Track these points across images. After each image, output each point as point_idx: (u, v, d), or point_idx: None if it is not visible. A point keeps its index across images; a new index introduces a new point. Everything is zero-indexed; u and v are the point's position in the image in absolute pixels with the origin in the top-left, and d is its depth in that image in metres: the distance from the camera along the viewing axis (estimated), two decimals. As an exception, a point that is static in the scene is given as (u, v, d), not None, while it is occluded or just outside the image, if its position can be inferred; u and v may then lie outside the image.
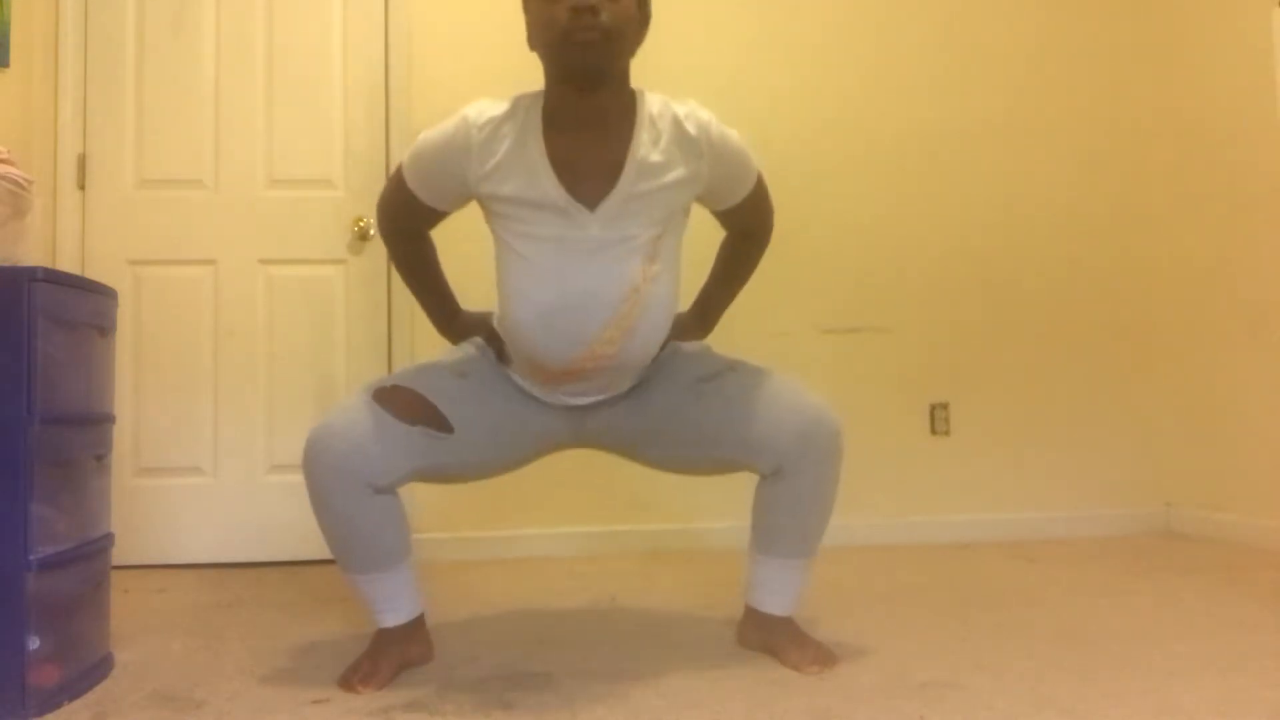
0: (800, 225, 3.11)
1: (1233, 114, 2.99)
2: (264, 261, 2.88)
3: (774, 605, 1.75)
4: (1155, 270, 3.25)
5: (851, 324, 3.12)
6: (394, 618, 1.67)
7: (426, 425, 1.62)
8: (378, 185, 2.92)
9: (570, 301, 1.58)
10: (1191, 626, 1.92)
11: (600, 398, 1.73)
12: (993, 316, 3.17)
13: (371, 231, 2.89)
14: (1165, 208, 3.24)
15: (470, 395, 1.69)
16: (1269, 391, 2.86)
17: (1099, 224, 3.24)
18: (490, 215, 1.67)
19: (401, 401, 1.62)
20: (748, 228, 1.85)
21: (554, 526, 2.95)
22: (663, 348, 1.76)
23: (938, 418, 3.13)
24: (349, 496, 1.57)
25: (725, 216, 1.81)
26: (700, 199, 1.73)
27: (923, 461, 3.11)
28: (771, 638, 1.74)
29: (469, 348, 1.79)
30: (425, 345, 2.87)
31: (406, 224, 1.77)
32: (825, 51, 3.15)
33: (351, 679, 1.59)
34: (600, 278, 1.58)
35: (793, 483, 1.68)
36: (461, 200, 1.69)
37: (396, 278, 2.89)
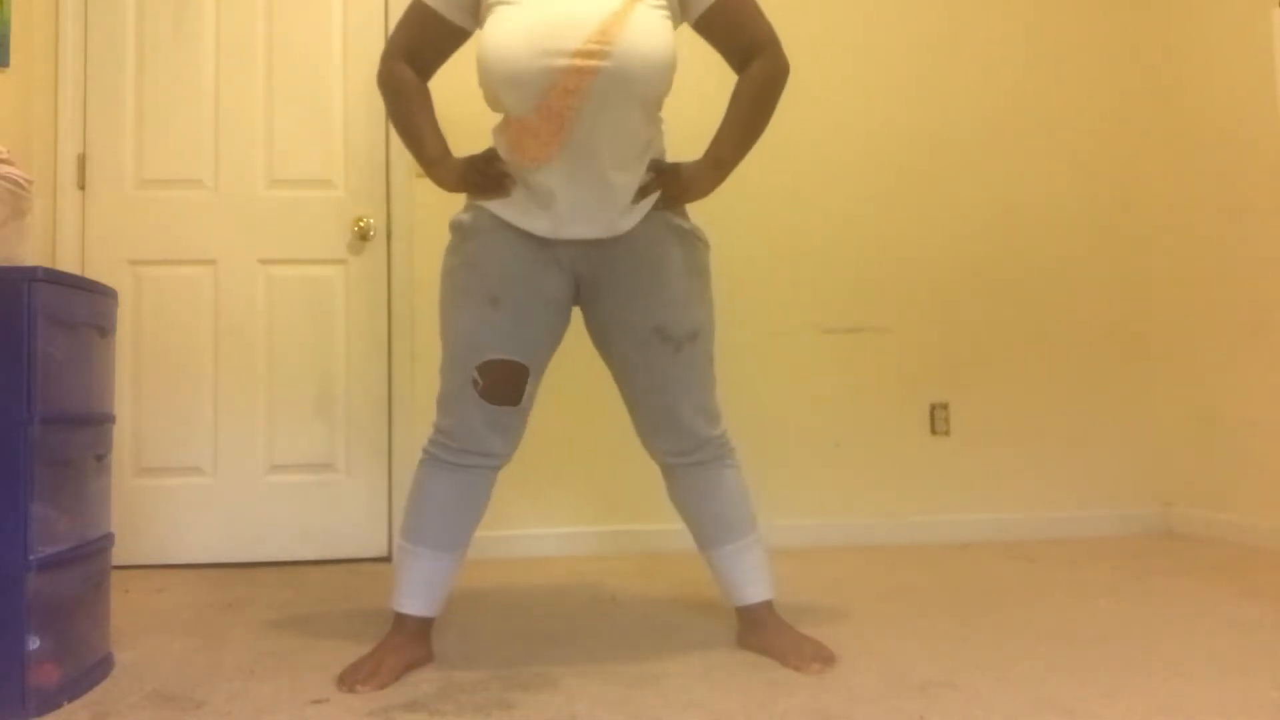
0: (800, 225, 3.12)
1: (1233, 114, 2.99)
2: (264, 261, 2.88)
3: (753, 593, 1.79)
4: (1155, 270, 3.25)
5: (851, 324, 3.12)
6: (416, 606, 1.70)
7: (518, 388, 1.70)
8: (378, 185, 2.93)
9: (551, 20, 1.58)
10: (1191, 626, 1.91)
11: (592, 231, 1.67)
12: (992, 316, 3.17)
13: (372, 232, 2.89)
14: (1165, 208, 3.24)
15: (512, 310, 1.68)
16: (1269, 391, 2.86)
17: (1099, 224, 3.24)
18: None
19: (500, 384, 1.68)
20: (743, 44, 1.75)
21: (554, 526, 2.95)
22: (667, 199, 1.71)
23: (938, 418, 3.13)
24: (478, 475, 1.71)
25: (711, 31, 1.74)
26: (679, 12, 1.71)
27: (923, 461, 3.11)
28: (770, 637, 1.75)
29: (463, 219, 1.73)
30: (425, 345, 2.88)
31: (418, 52, 1.75)
32: (824, 52, 3.15)
33: (352, 678, 1.60)
34: (583, 4, 1.60)
35: (692, 481, 1.80)
36: (473, 8, 1.71)
37: (396, 278, 2.90)
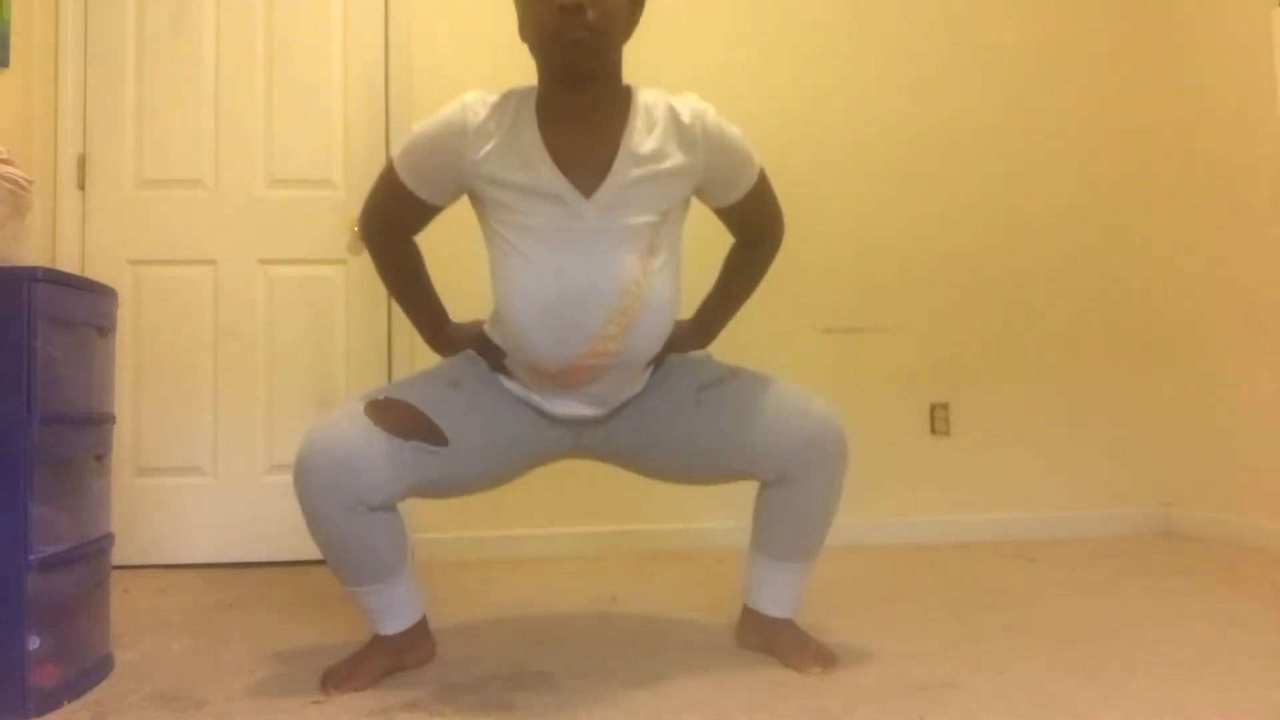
0: (800, 225, 3.09)
1: (1233, 114, 2.99)
2: (264, 261, 2.88)
3: (774, 607, 1.75)
4: (1155, 270, 3.25)
5: (851, 324, 3.12)
6: (392, 625, 1.66)
7: (420, 439, 1.58)
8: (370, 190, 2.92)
9: (570, 296, 1.55)
10: (1191, 626, 1.91)
11: (598, 411, 1.68)
12: (993, 316, 3.17)
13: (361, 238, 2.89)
14: (1165, 207, 3.24)
15: (465, 405, 1.65)
16: (1269, 391, 2.86)
17: (1099, 223, 3.24)
18: (484, 207, 1.62)
19: (394, 415, 1.58)
20: (752, 231, 1.80)
21: (554, 526, 2.95)
22: (662, 357, 1.72)
23: (938, 418, 3.13)
24: (340, 515, 1.54)
25: (728, 216, 1.76)
26: (700, 194, 1.69)
27: (923, 461, 3.11)
28: (771, 638, 1.73)
29: (460, 357, 1.75)
30: (425, 346, 2.87)
31: (396, 223, 1.71)
32: (825, 52, 3.15)
33: (329, 681, 1.58)
34: (600, 270, 1.55)
35: (797, 489, 1.67)
36: (455, 190, 1.64)
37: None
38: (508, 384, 1.69)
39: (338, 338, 2.91)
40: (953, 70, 3.20)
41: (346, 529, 1.56)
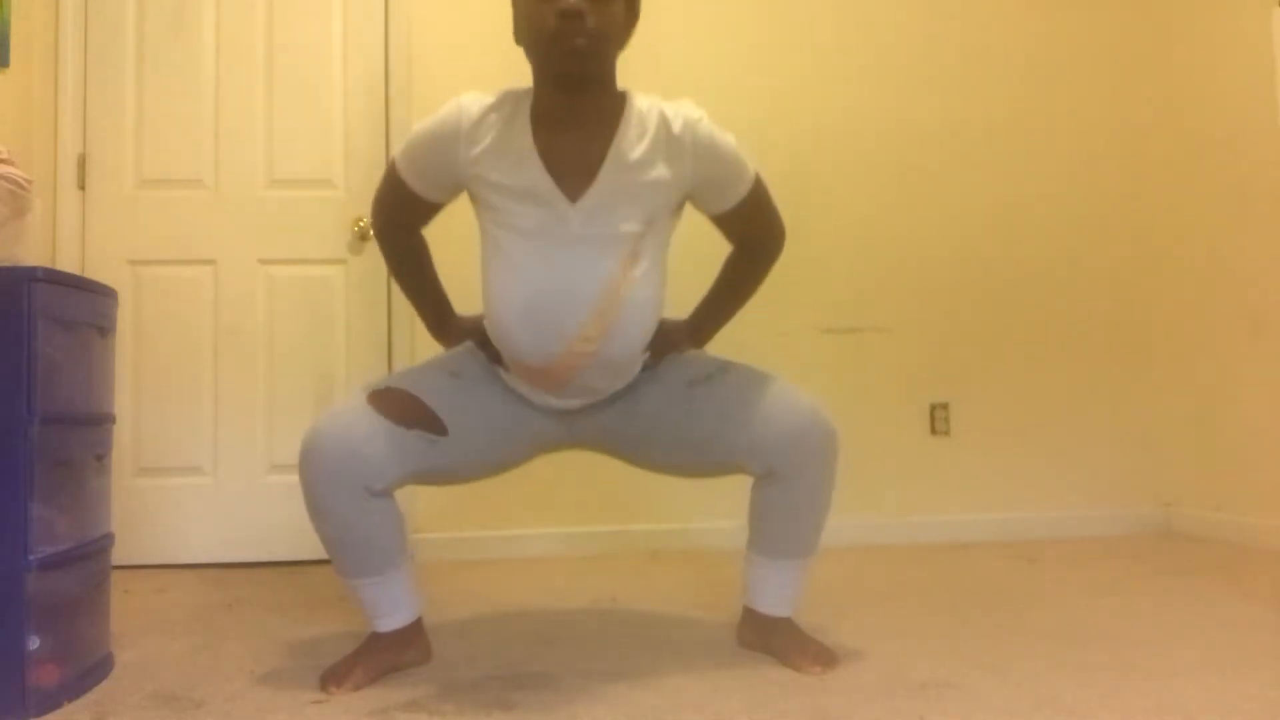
0: (800, 225, 3.08)
1: (1233, 114, 2.99)
2: (264, 261, 2.88)
3: (773, 606, 1.75)
4: (1155, 270, 3.25)
5: (851, 324, 3.12)
6: (390, 622, 1.67)
7: (421, 427, 1.61)
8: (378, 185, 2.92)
9: (549, 297, 1.57)
10: (1191, 626, 1.91)
11: (588, 401, 1.71)
12: (993, 316, 3.17)
13: (372, 232, 2.89)
14: (1165, 207, 3.24)
15: (464, 395, 1.68)
16: (1269, 391, 2.86)
17: (1099, 223, 3.24)
18: (479, 206, 1.67)
19: (395, 404, 1.62)
20: (749, 239, 1.81)
21: (554, 526, 2.95)
22: (652, 359, 1.74)
23: (938, 418, 3.13)
24: (344, 501, 1.56)
25: (723, 223, 1.77)
26: (694, 200, 1.71)
27: (923, 461, 3.11)
28: (771, 638, 1.74)
29: (461, 349, 1.78)
30: (425, 345, 2.86)
31: (401, 219, 1.77)
32: (825, 52, 3.15)
33: (326, 680, 1.59)
34: (580, 274, 1.57)
35: (788, 485, 1.68)
36: (453, 189, 1.69)
37: (396, 278, 2.90)
38: (505, 376, 1.72)
39: (338, 338, 2.91)
40: (953, 70, 3.20)
41: (350, 516, 1.58)
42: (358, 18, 2.96)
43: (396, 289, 2.89)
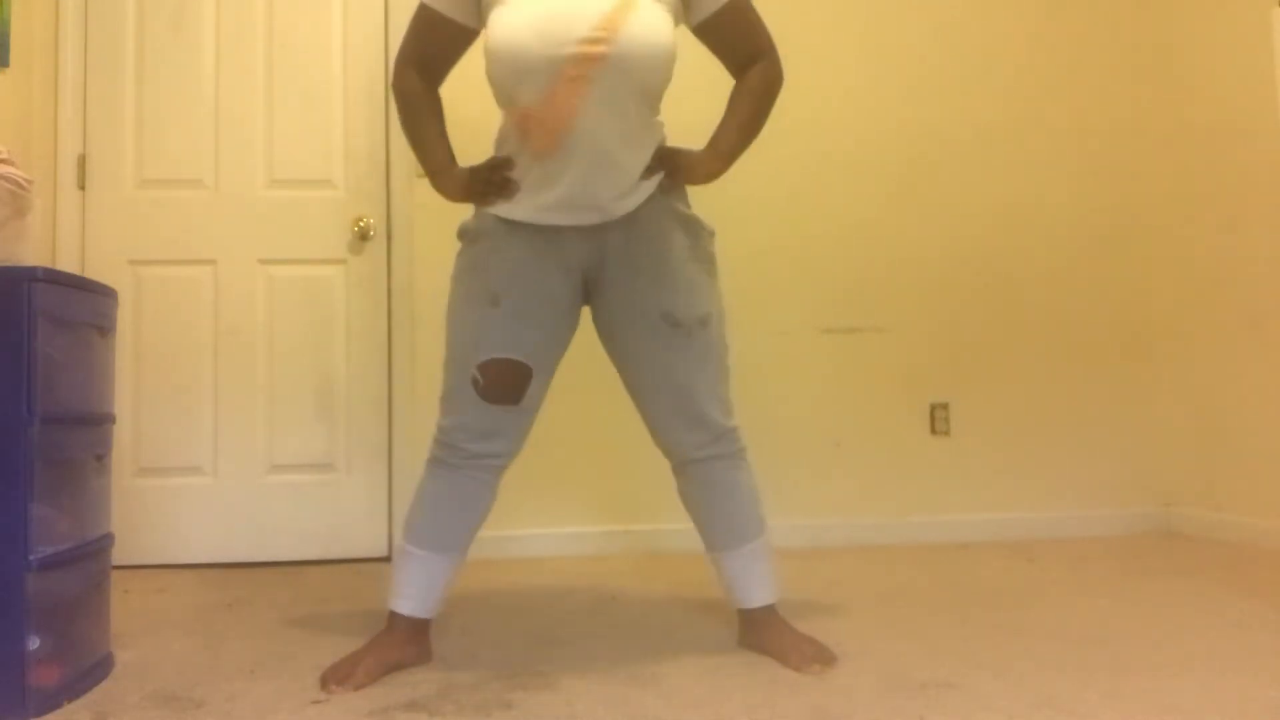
0: (800, 225, 3.12)
1: (1233, 115, 2.99)
2: (264, 261, 2.88)
3: (757, 597, 1.78)
4: (1155, 270, 3.25)
5: (851, 324, 3.12)
6: (412, 606, 1.70)
7: (522, 390, 1.70)
8: (378, 185, 2.93)
9: (557, 11, 1.60)
10: (1191, 626, 1.92)
11: (594, 220, 1.68)
12: (993, 316, 3.17)
13: (372, 232, 2.89)
14: (1165, 208, 3.24)
15: (513, 311, 1.69)
16: (1269, 391, 2.86)
17: (1099, 223, 3.24)
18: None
19: (498, 385, 1.68)
20: (742, 56, 1.78)
21: (554, 526, 2.95)
22: (668, 177, 1.72)
23: (938, 418, 3.13)
24: (471, 476, 1.70)
25: (712, 35, 1.76)
26: (686, 13, 1.72)
27: (923, 461, 3.11)
28: (764, 632, 1.75)
29: (468, 249, 1.75)
30: (425, 345, 2.88)
31: (427, 53, 1.77)
32: (825, 51, 3.15)
33: (329, 678, 1.60)
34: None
35: (707, 478, 1.76)
36: (475, 4, 1.72)
37: (397, 278, 2.90)
38: (515, 212, 1.69)
39: (338, 338, 2.91)
40: (953, 70, 3.20)
41: (464, 488, 1.71)
42: (358, 18, 2.96)
43: (397, 288, 2.90)
